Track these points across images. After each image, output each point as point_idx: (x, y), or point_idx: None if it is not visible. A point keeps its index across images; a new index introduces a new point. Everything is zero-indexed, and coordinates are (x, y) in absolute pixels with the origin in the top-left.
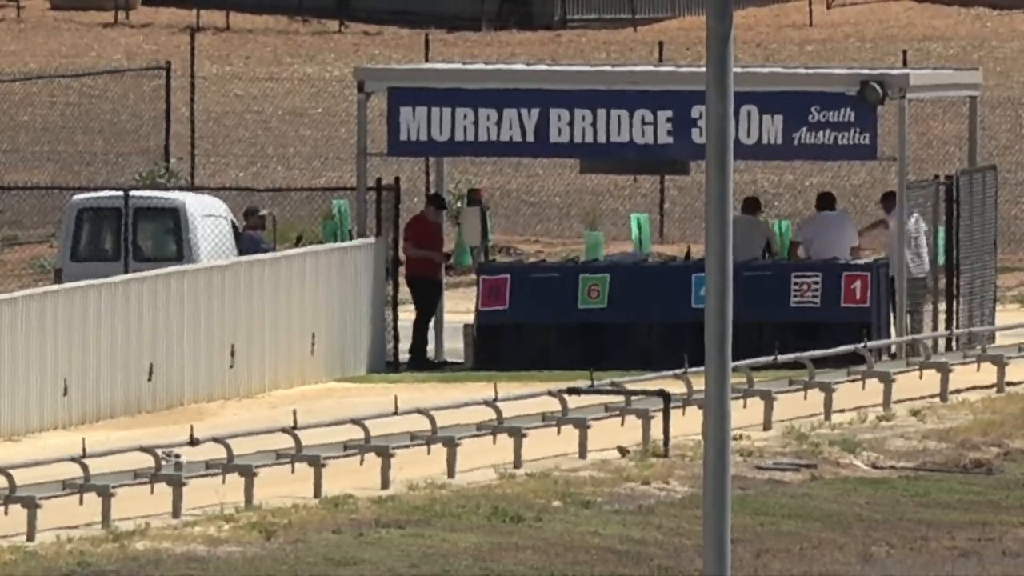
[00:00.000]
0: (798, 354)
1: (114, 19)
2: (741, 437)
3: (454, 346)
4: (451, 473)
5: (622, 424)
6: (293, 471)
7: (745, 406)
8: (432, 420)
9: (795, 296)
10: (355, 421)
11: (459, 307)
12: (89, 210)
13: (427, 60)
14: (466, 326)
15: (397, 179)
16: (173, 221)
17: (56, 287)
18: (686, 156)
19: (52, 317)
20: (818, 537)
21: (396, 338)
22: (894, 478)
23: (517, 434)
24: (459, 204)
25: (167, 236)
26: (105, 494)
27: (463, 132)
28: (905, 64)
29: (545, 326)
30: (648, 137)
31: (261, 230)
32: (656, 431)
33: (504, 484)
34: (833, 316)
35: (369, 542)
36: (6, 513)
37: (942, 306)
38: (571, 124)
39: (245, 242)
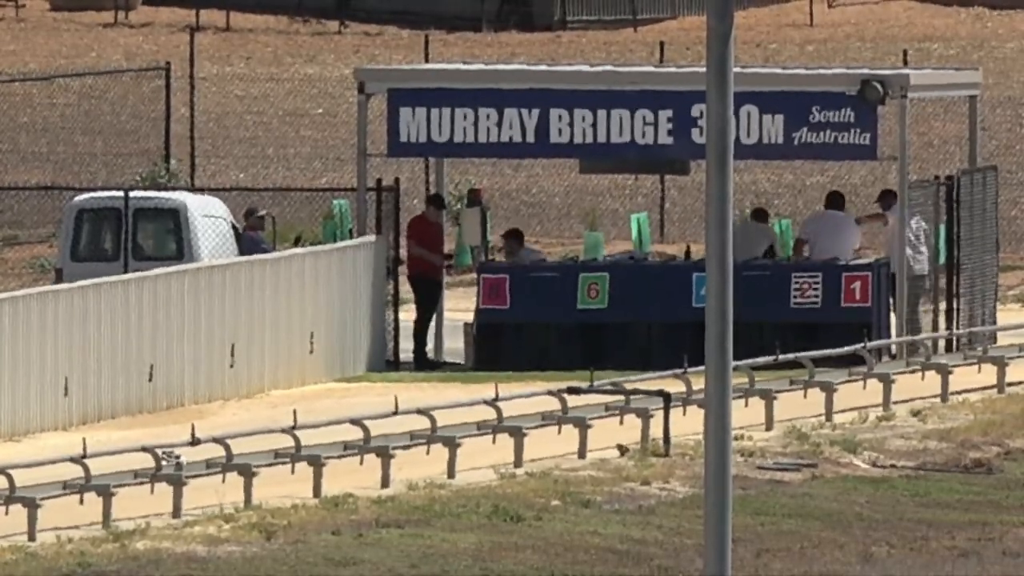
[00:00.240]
0: (798, 354)
1: (114, 19)
2: (742, 437)
3: (454, 346)
4: (451, 473)
5: (621, 423)
6: (293, 471)
7: (746, 406)
8: (432, 420)
9: (795, 296)
10: (355, 421)
11: (459, 306)
12: (89, 210)
13: (427, 61)
14: (466, 325)
15: (397, 180)
16: (173, 221)
17: (56, 287)
18: (686, 156)
19: (52, 317)
20: (818, 537)
21: (396, 337)
22: (895, 478)
23: (517, 434)
24: (459, 204)
25: (167, 236)
26: (105, 494)
27: (463, 133)
28: (905, 64)
29: (545, 326)
30: (648, 137)
31: (261, 230)
32: (656, 431)
33: (504, 484)
34: (833, 316)
35: (369, 542)
36: (6, 513)
37: (943, 306)
38: (571, 124)
39: (245, 242)
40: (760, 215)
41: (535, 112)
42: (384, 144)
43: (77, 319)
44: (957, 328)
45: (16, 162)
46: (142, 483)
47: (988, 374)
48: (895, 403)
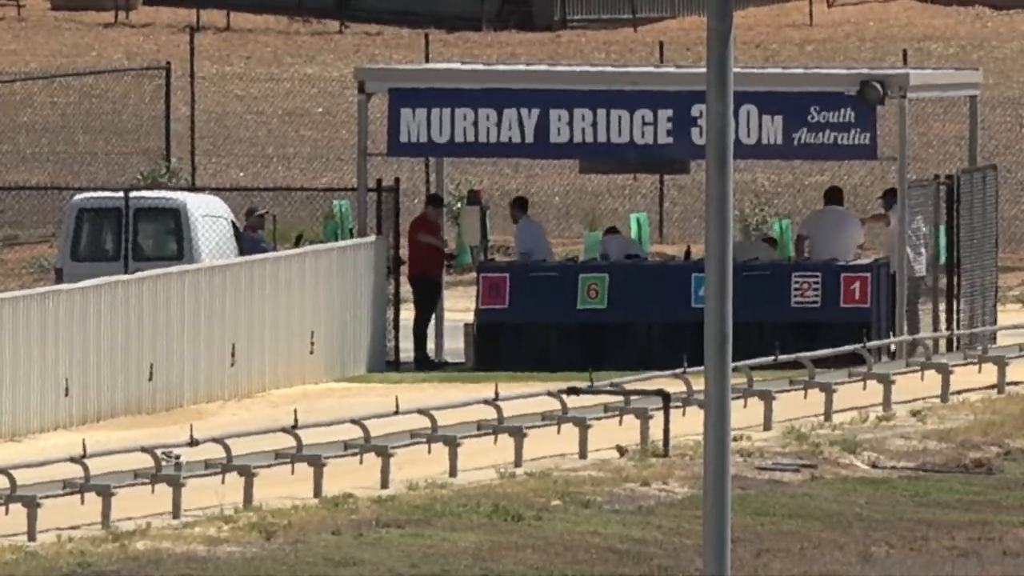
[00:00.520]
0: (798, 354)
1: (114, 19)
2: (741, 437)
3: (454, 346)
4: (452, 472)
5: (621, 424)
6: (293, 471)
7: (745, 406)
8: (432, 419)
9: (795, 296)
10: (355, 421)
11: (459, 306)
12: (89, 210)
13: (427, 60)
14: (466, 325)
15: (397, 180)
16: (174, 221)
17: (56, 287)
18: (686, 156)
19: (52, 317)
20: (818, 537)
21: (397, 337)
22: (894, 478)
23: (517, 434)
24: (459, 204)
25: (167, 236)
26: (105, 494)
27: (463, 133)
28: (905, 64)
29: (545, 326)
30: (648, 137)
31: (261, 230)
32: (656, 431)
33: (504, 484)
34: (833, 316)
35: (369, 542)
36: (7, 513)
37: (943, 306)
38: (571, 124)
39: (245, 242)
40: (770, 240)
41: (535, 112)
42: (384, 144)
43: (77, 319)
44: (957, 328)
45: (16, 162)
46: (142, 483)
47: (988, 374)
48: (895, 403)
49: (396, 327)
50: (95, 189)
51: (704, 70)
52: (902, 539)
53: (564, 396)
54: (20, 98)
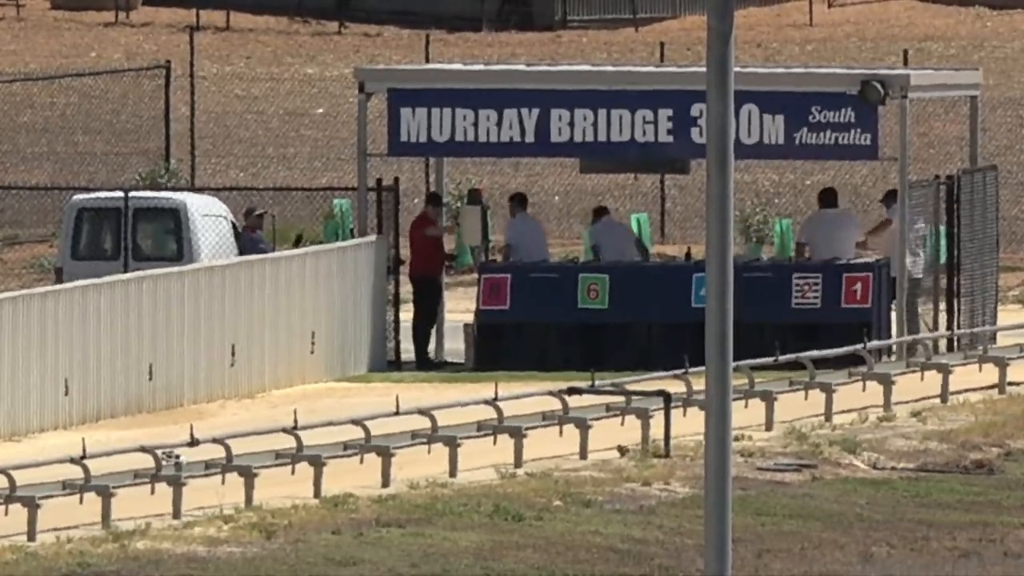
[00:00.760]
0: (799, 354)
1: (114, 19)
2: (742, 438)
3: (454, 346)
4: (452, 472)
5: (622, 424)
6: (293, 471)
7: (746, 406)
8: (433, 420)
9: (796, 297)
10: (355, 421)
11: (459, 307)
12: (89, 210)
13: (427, 61)
14: (466, 326)
15: (396, 179)
16: (173, 221)
17: (56, 287)
18: (686, 156)
19: (52, 317)
20: (819, 537)
21: (397, 337)
22: (895, 479)
23: (518, 434)
24: (459, 204)
25: (167, 236)
26: (105, 494)
27: (463, 132)
28: (905, 64)
29: (545, 326)
30: (648, 137)
31: (260, 229)
32: (657, 431)
33: (505, 484)
34: (834, 317)
35: (369, 542)
36: (6, 513)
37: (943, 306)
38: (571, 124)
39: (245, 242)
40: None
41: (535, 112)
42: (384, 144)
43: (77, 319)
44: (957, 328)
45: (16, 162)
46: (142, 483)
47: (989, 374)
48: (895, 404)
49: (396, 327)
50: (95, 189)
51: (704, 70)
52: (903, 540)
53: (565, 396)
54: (20, 98)
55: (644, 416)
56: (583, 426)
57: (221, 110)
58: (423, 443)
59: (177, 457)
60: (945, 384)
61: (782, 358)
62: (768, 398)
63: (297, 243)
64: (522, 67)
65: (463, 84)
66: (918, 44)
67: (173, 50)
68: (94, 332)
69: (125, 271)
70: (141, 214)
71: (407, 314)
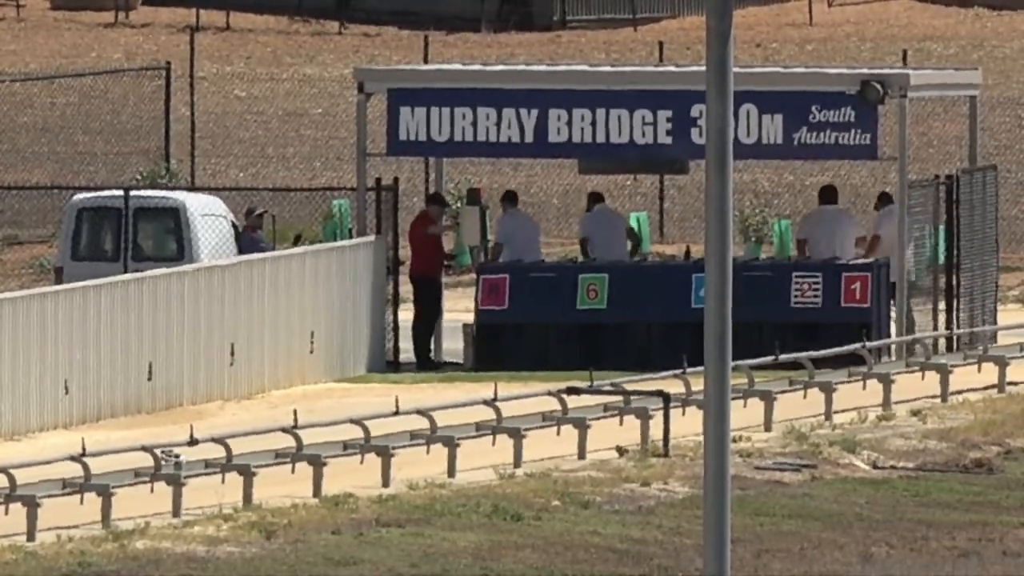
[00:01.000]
0: (798, 354)
1: (114, 19)
2: (741, 438)
3: (454, 346)
4: (451, 473)
5: (621, 424)
6: (293, 471)
7: (745, 406)
8: (432, 420)
9: (795, 296)
10: (355, 421)
11: (458, 307)
12: (89, 210)
13: (427, 61)
14: (465, 326)
15: (396, 179)
16: (173, 221)
17: (56, 287)
18: (686, 156)
19: (52, 317)
20: (818, 537)
21: (396, 338)
22: (894, 478)
23: (517, 434)
24: (458, 204)
25: (167, 236)
26: (105, 494)
27: (462, 132)
28: (905, 64)
29: (544, 326)
30: (647, 137)
31: (260, 229)
32: (656, 431)
33: (504, 484)
34: (833, 316)
35: (369, 542)
36: (6, 513)
37: (943, 306)
38: (570, 124)
39: (245, 242)
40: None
41: (534, 112)
42: (384, 144)
43: (77, 319)
44: (957, 328)
45: (16, 162)
46: (142, 483)
47: (988, 374)
48: (895, 403)
49: (396, 327)
50: (95, 189)
51: (704, 70)
52: (902, 539)
53: (564, 396)
54: (20, 98)
55: (643, 416)
56: (582, 426)
57: (221, 110)
58: (422, 443)
59: (177, 456)
60: (945, 383)
61: (782, 358)
62: (767, 398)
63: (296, 243)
64: (521, 67)
65: (462, 84)
66: (918, 44)
67: (173, 50)
68: (94, 332)
69: (125, 271)
70: (141, 214)
71: (406, 314)
